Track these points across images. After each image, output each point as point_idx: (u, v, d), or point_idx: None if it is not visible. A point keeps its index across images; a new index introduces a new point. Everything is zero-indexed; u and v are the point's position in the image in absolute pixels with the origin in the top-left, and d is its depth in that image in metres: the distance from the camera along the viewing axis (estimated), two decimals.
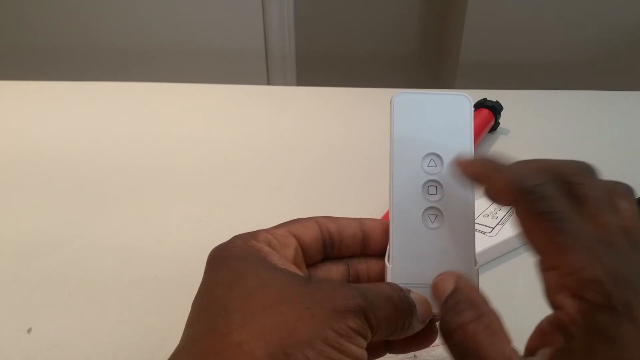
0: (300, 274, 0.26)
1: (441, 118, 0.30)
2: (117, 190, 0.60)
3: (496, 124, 0.69)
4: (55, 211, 0.56)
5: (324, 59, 1.65)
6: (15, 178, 0.61)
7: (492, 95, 0.71)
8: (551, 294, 0.22)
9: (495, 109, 0.68)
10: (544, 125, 0.73)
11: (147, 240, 0.53)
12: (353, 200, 0.58)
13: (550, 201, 0.23)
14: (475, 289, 0.26)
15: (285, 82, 1.59)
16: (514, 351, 0.23)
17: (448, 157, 0.29)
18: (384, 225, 0.29)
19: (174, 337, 0.44)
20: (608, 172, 0.73)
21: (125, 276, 0.48)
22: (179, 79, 0.82)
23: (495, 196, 0.25)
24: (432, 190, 0.29)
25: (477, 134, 0.65)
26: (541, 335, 0.23)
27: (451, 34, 1.48)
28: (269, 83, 1.57)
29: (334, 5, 1.58)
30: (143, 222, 0.55)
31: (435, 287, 0.27)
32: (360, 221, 0.30)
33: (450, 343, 0.24)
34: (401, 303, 0.26)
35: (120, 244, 0.52)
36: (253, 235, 0.27)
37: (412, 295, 0.26)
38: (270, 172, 0.63)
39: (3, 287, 0.47)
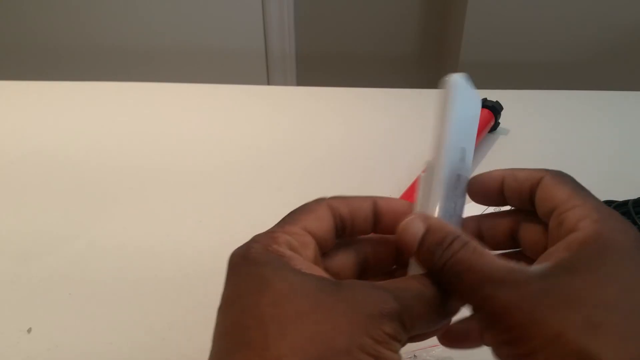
0: (325, 276, 0.25)
1: (469, 113, 0.29)
2: (117, 190, 0.60)
3: (496, 124, 0.69)
4: (55, 211, 0.56)
5: (324, 59, 1.65)
6: (15, 178, 0.61)
7: (492, 95, 0.71)
8: (572, 221, 0.24)
9: (495, 109, 0.68)
10: (544, 125, 0.73)
11: (147, 240, 0.53)
12: None
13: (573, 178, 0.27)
14: (447, 223, 0.26)
15: (285, 82, 1.59)
16: (507, 261, 0.24)
17: (468, 152, 0.29)
18: (397, 206, 0.29)
19: (174, 337, 0.44)
20: (608, 172, 0.73)
21: (125, 276, 0.48)
22: (179, 79, 0.82)
23: (516, 188, 0.28)
24: (458, 182, 0.29)
25: (477, 134, 0.65)
26: (548, 256, 0.24)
27: (451, 34, 1.48)
28: (269, 83, 1.57)
29: (334, 5, 1.58)
30: (143, 222, 0.55)
31: (404, 231, 0.26)
32: (373, 201, 0.29)
33: (443, 275, 0.24)
34: (434, 297, 0.25)
35: (120, 244, 0.52)
36: (272, 237, 0.26)
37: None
38: (270, 172, 0.63)
39: (3, 287, 0.47)
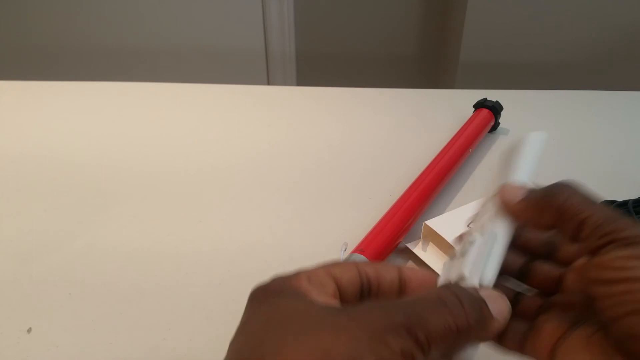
0: (339, 306, 0.25)
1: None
2: (117, 190, 0.60)
3: (496, 124, 0.69)
4: (55, 211, 0.56)
5: (324, 59, 1.65)
6: (15, 178, 0.61)
7: (492, 95, 0.71)
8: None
9: (495, 109, 0.68)
10: (544, 125, 0.73)
11: (147, 240, 0.53)
12: (353, 200, 0.58)
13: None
14: None
15: (285, 82, 1.59)
16: None
17: None
18: (422, 275, 0.29)
19: (173, 337, 0.44)
20: (608, 172, 0.72)
21: (125, 276, 0.48)
22: (179, 79, 0.82)
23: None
24: None
25: (477, 134, 0.65)
26: None
27: (451, 34, 1.48)
28: (269, 83, 1.57)
29: (334, 5, 1.58)
30: (143, 223, 0.55)
31: (507, 191, 0.29)
32: (399, 269, 0.29)
33: (565, 211, 0.26)
34: (456, 305, 0.23)
35: (120, 244, 0.52)
36: (294, 275, 0.26)
37: (482, 292, 0.25)
38: (269, 172, 0.63)
39: (3, 287, 0.47)
